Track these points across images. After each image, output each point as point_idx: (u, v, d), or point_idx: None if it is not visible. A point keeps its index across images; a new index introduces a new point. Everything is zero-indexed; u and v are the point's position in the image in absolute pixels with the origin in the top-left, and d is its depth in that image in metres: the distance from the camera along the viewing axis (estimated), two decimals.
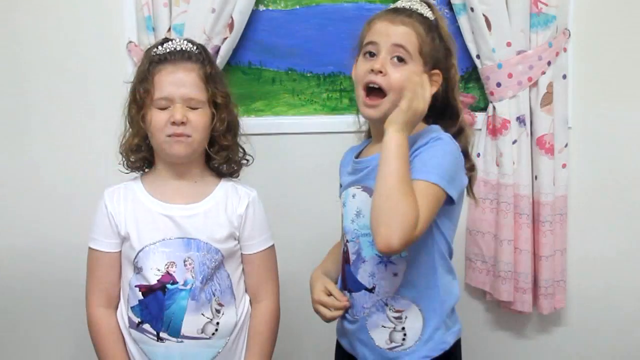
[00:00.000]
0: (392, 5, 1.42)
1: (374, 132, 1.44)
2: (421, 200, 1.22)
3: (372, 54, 1.35)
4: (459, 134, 1.41)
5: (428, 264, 1.35)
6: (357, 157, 1.46)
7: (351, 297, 1.41)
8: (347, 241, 1.42)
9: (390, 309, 1.36)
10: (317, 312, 1.43)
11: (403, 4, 1.39)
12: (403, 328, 1.37)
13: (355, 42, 1.43)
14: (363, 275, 1.38)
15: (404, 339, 1.37)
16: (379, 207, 1.21)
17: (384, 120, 1.29)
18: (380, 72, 1.32)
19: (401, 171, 1.22)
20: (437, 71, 1.37)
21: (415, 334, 1.37)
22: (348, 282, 1.42)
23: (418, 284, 1.35)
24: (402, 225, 1.18)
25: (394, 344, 1.37)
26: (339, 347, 1.52)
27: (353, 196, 1.41)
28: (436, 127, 1.38)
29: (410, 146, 1.28)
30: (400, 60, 1.33)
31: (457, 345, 1.42)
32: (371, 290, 1.37)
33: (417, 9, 1.37)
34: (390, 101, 1.32)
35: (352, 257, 1.40)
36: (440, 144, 1.31)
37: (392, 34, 1.33)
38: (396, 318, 1.37)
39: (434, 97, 1.36)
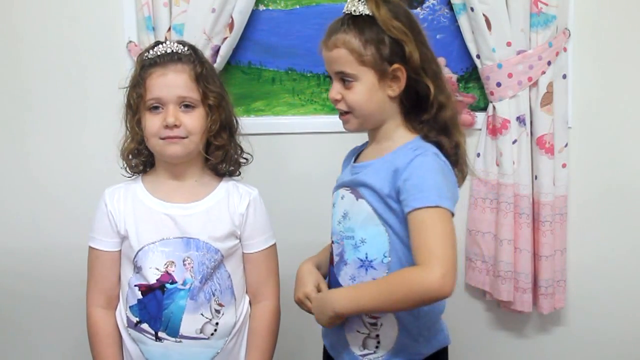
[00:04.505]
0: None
1: (368, 135, 1.43)
2: (432, 233, 1.17)
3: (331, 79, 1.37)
4: (446, 133, 1.32)
5: None
6: (356, 158, 1.45)
7: None
8: (332, 242, 1.40)
9: (366, 314, 1.33)
10: (301, 304, 1.38)
11: (343, 11, 1.34)
12: (377, 335, 1.34)
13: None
14: (344, 277, 1.35)
15: (377, 347, 1.35)
16: (411, 305, 1.22)
17: (367, 129, 1.38)
18: (337, 99, 1.34)
19: (376, 293, 1.22)
20: (396, 66, 1.28)
21: (389, 342, 1.34)
22: (331, 283, 1.40)
23: None
24: (428, 295, 1.16)
25: (366, 351, 1.35)
26: (324, 349, 1.49)
27: (342, 197, 1.38)
28: (416, 144, 1.31)
29: (387, 166, 1.28)
30: (348, 81, 1.32)
31: (437, 356, 1.38)
32: None
33: (353, 10, 1.31)
34: (355, 117, 1.34)
35: (335, 259, 1.38)
36: (424, 162, 1.24)
37: (330, 62, 1.33)
38: (371, 324, 1.34)
39: (415, 90, 1.30)
